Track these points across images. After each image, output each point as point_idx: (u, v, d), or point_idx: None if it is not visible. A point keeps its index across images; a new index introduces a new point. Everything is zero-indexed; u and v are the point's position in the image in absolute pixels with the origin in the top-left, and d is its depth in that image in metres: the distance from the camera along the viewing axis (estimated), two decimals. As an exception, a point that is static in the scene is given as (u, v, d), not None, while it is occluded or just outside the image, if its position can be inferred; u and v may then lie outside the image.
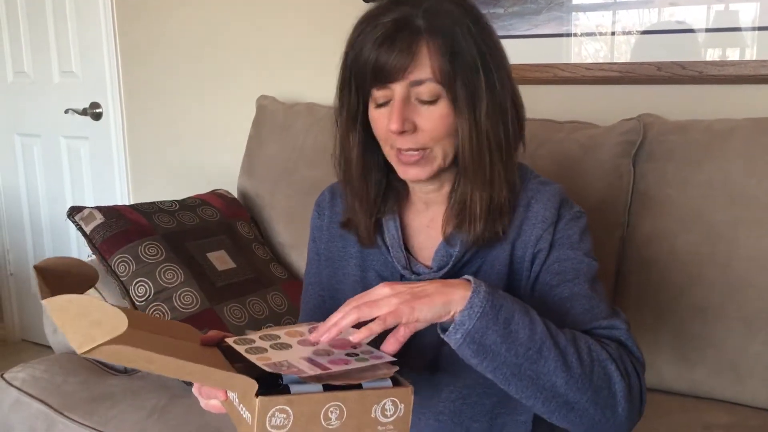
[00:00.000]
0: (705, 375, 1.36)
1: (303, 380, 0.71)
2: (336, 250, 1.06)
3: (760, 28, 1.51)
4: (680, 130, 1.45)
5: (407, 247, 0.99)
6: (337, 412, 0.70)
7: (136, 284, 1.60)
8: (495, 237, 0.92)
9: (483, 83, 0.87)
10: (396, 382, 0.74)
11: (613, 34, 1.66)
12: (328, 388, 0.71)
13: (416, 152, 0.89)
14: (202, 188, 2.01)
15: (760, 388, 1.32)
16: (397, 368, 0.75)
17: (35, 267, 0.83)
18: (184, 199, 1.83)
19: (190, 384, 1.54)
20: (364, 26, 0.88)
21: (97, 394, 1.52)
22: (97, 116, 2.63)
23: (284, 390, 0.70)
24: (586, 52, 1.70)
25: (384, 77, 0.87)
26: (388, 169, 0.97)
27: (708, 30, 1.56)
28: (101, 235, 1.65)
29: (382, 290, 0.77)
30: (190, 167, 2.42)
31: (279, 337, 0.81)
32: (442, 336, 0.79)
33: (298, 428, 0.69)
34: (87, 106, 2.64)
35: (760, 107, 1.48)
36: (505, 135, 0.90)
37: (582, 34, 1.69)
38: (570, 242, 0.93)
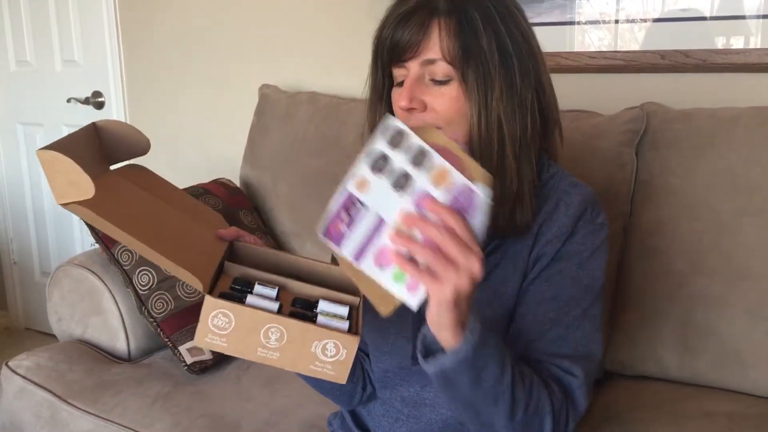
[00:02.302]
0: (707, 364, 1.37)
1: (266, 296, 0.78)
2: None
3: (765, 16, 1.50)
4: (684, 118, 1.44)
5: None
6: (278, 334, 0.75)
7: (139, 273, 1.61)
8: (515, 227, 0.91)
9: (497, 69, 0.86)
10: (350, 329, 0.78)
11: (616, 22, 1.65)
12: (304, 316, 0.77)
13: None
14: (205, 177, 2.00)
15: (763, 376, 1.32)
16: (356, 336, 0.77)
17: (94, 124, 0.91)
18: (186, 188, 1.83)
19: (193, 372, 1.54)
20: (392, 6, 0.91)
21: (101, 382, 1.53)
22: (99, 105, 2.63)
23: (241, 299, 0.77)
24: (589, 40, 1.70)
25: (399, 54, 0.88)
26: None
27: (712, 18, 1.55)
28: (104, 223, 1.65)
29: (471, 264, 0.70)
30: (192, 156, 2.42)
31: (422, 164, 0.74)
32: (420, 361, 0.81)
33: (237, 335, 0.75)
34: (89, 95, 2.64)
35: (765, 95, 1.48)
36: (521, 126, 0.88)
37: (585, 23, 1.69)
38: (579, 258, 0.91)
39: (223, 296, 0.76)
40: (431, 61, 0.87)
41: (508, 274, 0.93)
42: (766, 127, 1.35)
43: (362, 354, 1.08)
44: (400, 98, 0.88)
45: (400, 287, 0.73)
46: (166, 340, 1.58)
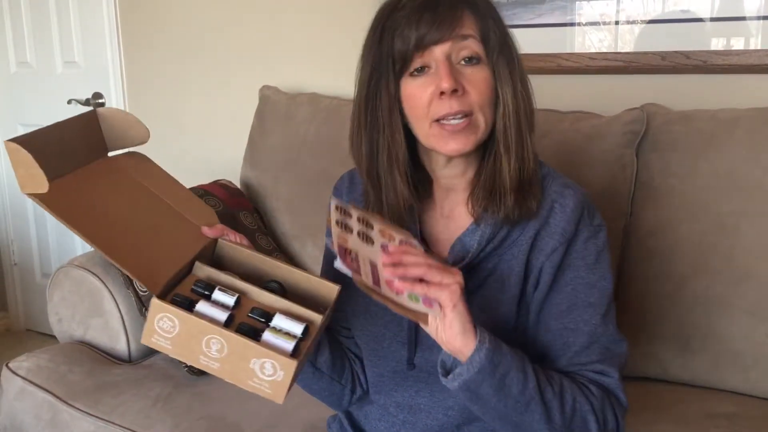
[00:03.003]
0: (708, 365, 1.37)
1: (221, 303, 0.80)
2: None
3: (765, 18, 1.50)
4: (684, 119, 1.44)
5: (423, 238, 0.98)
6: (218, 346, 0.76)
7: (139, 274, 1.61)
8: (525, 212, 0.91)
9: (514, 54, 0.91)
10: (296, 351, 0.78)
11: (617, 23, 1.66)
12: (252, 330, 0.77)
13: (462, 119, 0.87)
14: (205, 178, 2.01)
15: (764, 377, 1.32)
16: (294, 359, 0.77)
17: (95, 110, 0.93)
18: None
19: (193, 373, 1.54)
20: (395, 5, 0.89)
21: (101, 383, 1.53)
22: (100, 107, 2.63)
23: (191, 305, 0.78)
24: (590, 41, 1.70)
25: (429, 39, 0.86)
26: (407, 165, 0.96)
27: (713, 19, 1.55)
28: (105, 225, 1.65)
29: (456, 278, 0.80)
30: (192, 157, 2.42)
31: (372, 228, 0.85)
32: (442, 381, 0.84)
33: (180, 340, 0.77)
34: (89, 96, 2.64)
35: (765, 97, 1.48)
36: (531, 112, 0.93)
37: (586, 24, 1.69)
38: (585, 264, 0.92)
39: (178, 298, 0.78)
40: (465, 37, 0.87)
41: (505, 280, 0.93)
42: (766, 129, 1.35)
43: (353, 356, 1.08)
44: (442, 80, 0.85)
45: (418, 305, 0.79)
46: (167, 341, 1.58)
